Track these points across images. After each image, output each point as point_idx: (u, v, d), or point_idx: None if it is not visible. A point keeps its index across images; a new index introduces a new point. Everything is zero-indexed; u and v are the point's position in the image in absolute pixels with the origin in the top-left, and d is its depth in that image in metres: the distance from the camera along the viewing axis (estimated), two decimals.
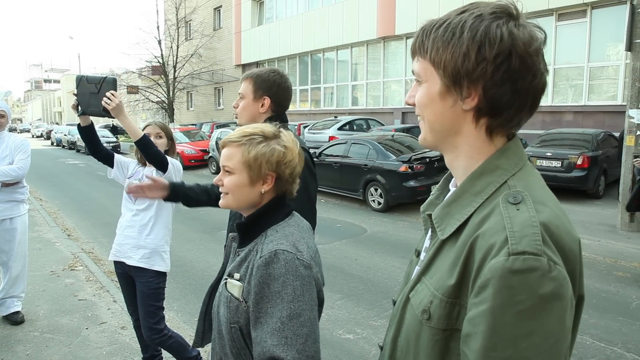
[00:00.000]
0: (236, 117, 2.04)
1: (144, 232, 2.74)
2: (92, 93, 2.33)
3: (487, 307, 0.67)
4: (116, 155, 2.87)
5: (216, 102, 26.41)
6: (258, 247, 1.23)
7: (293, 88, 2.30)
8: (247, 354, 1.21)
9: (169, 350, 2.84)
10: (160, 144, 2.78)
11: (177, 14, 24.77)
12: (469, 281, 0.73)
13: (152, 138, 2.65)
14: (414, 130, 11.94)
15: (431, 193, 0.99)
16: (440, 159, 8.18)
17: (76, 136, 23.56)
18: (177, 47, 24.64)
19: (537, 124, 11.50)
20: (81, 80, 2.34)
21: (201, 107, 27.71)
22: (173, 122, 24.49)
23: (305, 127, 14.96)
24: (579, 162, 8.24)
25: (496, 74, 0.75)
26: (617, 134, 8.79)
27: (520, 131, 0.86)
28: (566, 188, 8.42)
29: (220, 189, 1.31)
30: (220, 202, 1.33)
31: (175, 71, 24.85)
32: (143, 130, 2.61)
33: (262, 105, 1.96)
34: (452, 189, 0.92)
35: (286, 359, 1.08)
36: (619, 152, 7.48)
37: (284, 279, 1.14)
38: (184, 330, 3.77)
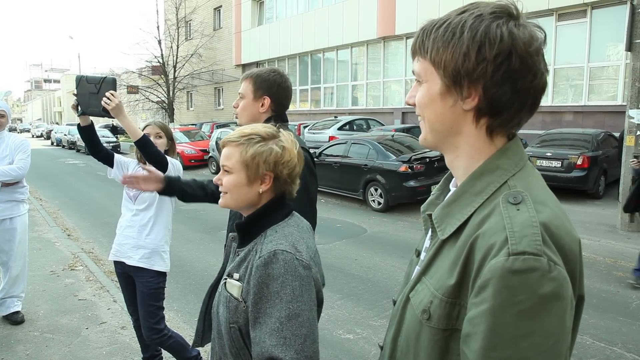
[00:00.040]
0: (236, 117, 2.04)
1: (143, 232, 2.74)
2: (91, 93, 2.33)
3: (487, 307, 0.67)
4: (116, 155, 2.87)
5: (216, 102, 26.42)
6: (257, 247, 1.23)
7: (293, 88, 2.30)
8: (246, 354, 1.21)
9: (169, 350, 2.84)
10: (160, 144, 2.78)
11: (177, 14, 24.76)
12: (469, 281, 0.73)
13: (151, 138, 2.64)
14: (414, 130, 11.94)
15: (431, 193, 0.99)
16: (440, 159, 8.18)
17: (76, 136, 23.56)
18: (177, 47, 24.63)
19: (537, 124, 11.50)
20: (81, 80, 2.34)
21: (201, 107, 27.71)
22: (173, 122, 24.48)
23: (305, 127, 14.96)
24: (579, 162, 8.24)
25: (496, 74, 0.75)
26: (617, 134, 8.78)
27: (520, 131, 0.86)
28: (566, 188, 8.42)
29: (220, 188, 1.31)
30: (220, 202, 1.34)
31: (175, 71, 24.85)
32: (143, 130, 2.61)
33: (262, 105, 1.96)
34: (452, 189, 0.92)
35: (285, 359, 1.08)
36: (619, 152, 7.48)
37: (283, 279, 1.14)
38: (184, 330, 3.77)
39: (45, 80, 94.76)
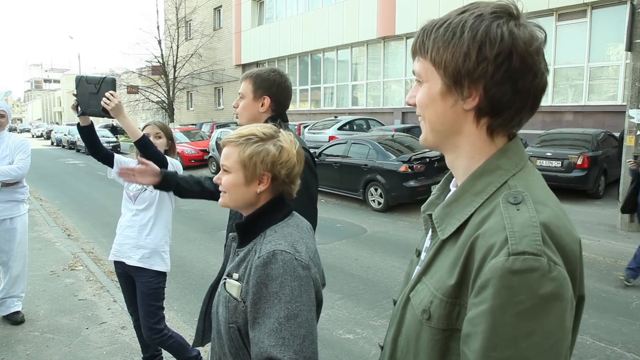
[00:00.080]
0: (236, 117, 2.04)
1: (143, 232, 2.74)
2: (91, 93, 2.33)
3: (487, 307, 0.67)
4: (116, 155, 2.87)
5: (216, 102, 26.42)
6: (257, 247, 1.23)
7: (293, 88, 2.30)
8: (245, 354, 1.21)
9: (169, 350, 2.84)
10: (159, 144, 2.78)
11: (177, 14, 24.75)
12: (469, 281, 0.73)
13: (150, 138, 2.65)
14: (414, 130, 11.94)
15: (432, 193, 0.99)
16: (440, 159, 8.19)
17: (76, 136, 23.56)
18: (177, 47, 24.63)
19: (537, 124, 11.50)
20: (80, 81, 2.34)
21: (201, 107, 27.71)
22: (173, 122, 24.48)
23: (305, 127, 14.96)
24: (579, 162, 8.24)
25: (497, 74, 0.75)
26: (617, 134, 8.78)
27: (520, 131, 0.86)
28: (566, 188, 8.42)
29: (220, 188, 1.32)
30: (219, 201, 1.34)
31: (175, 71, 24.84)
32: (142, 131, 2.61)
33: (262, 104, 1.96)
34: (452, 189, 0.92)
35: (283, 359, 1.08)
36: (619, 152, 7.48)
37: (282, 280, 1.14)
38: (184, 330, 3.77)
39: (45, 80, 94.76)
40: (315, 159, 2.01)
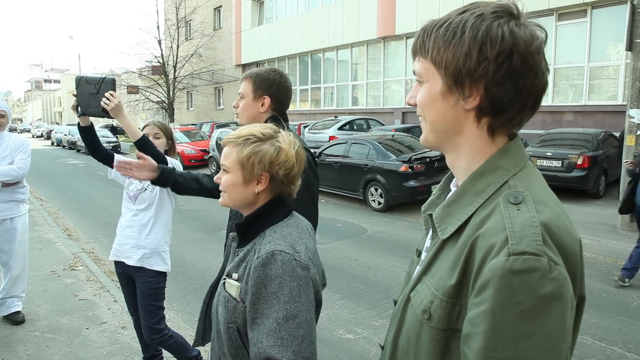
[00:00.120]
0: (237, 117, 2.04)
1: (143, 232, 2.74)
2: (91, 94, 2.33)
3: (487, 307, 0.67)
4: (116, 156, 2.86)
5: (216, 102, 26.42)
6: (256, 248, 1.23)
7: (293, 88, 2.30)
8: (244, 354, 1.21)
9: (170, 350, 2.84)
10: (159, 144, 2.78)
11: (177, 14, 24.76)
12: (469, 281, 0.73)
13: (150, 138, 2.65)
14: (414, 130, 11.94)
15: (432, 193, 0.99)
16: (441, 159, 8.18)
17: (76, 136, 23.56)
18: (177, 47, 24.64)
19: (537, 124, 11.50)
20: (80, 81, 2.34)
21: (201, 107, 27.72)
22: (173, 122, 24.48)
23: (305, 127, 14.97)
24: (579, 162, 8.24)
25: (498, 73, 0.75)
26: (617, 134, 8.78)
27: (521, 131, 0.86)
28: (566, 188, 8.42)
29: (220, 187, 1.32)
30: (220, 200, 1.35)
31: (175, 71, 24.85)
32: (142, 131, 2.61)
33: (262, 104, 1.96)
34: (453, 188, 0.92)
35: None
36: (619, 152, 7.48)
37: (281, 280, 1.14)
38: (185, 330, 3.77)
39: (46, 81, 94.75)
40: (316, 159, 2.01)
